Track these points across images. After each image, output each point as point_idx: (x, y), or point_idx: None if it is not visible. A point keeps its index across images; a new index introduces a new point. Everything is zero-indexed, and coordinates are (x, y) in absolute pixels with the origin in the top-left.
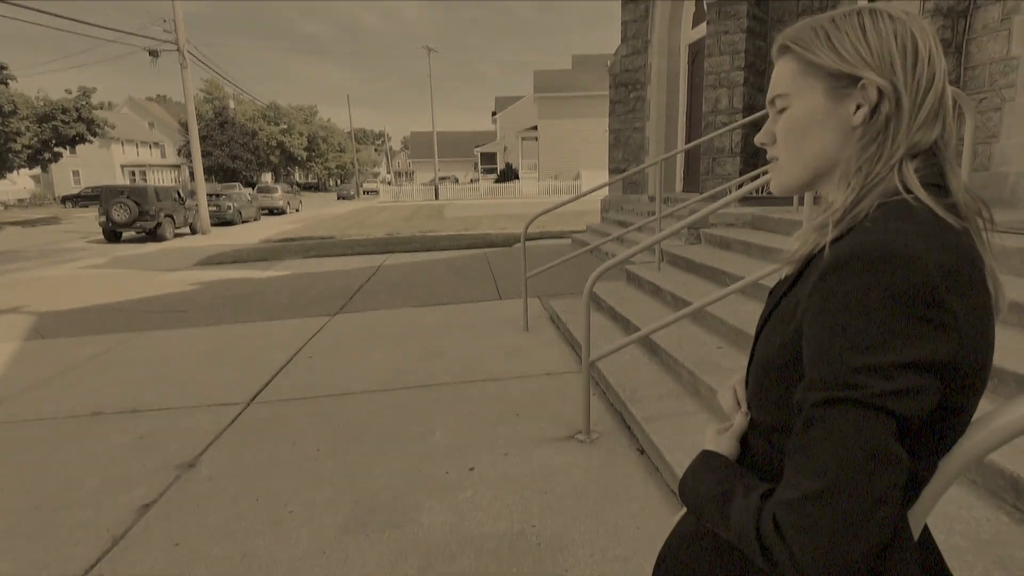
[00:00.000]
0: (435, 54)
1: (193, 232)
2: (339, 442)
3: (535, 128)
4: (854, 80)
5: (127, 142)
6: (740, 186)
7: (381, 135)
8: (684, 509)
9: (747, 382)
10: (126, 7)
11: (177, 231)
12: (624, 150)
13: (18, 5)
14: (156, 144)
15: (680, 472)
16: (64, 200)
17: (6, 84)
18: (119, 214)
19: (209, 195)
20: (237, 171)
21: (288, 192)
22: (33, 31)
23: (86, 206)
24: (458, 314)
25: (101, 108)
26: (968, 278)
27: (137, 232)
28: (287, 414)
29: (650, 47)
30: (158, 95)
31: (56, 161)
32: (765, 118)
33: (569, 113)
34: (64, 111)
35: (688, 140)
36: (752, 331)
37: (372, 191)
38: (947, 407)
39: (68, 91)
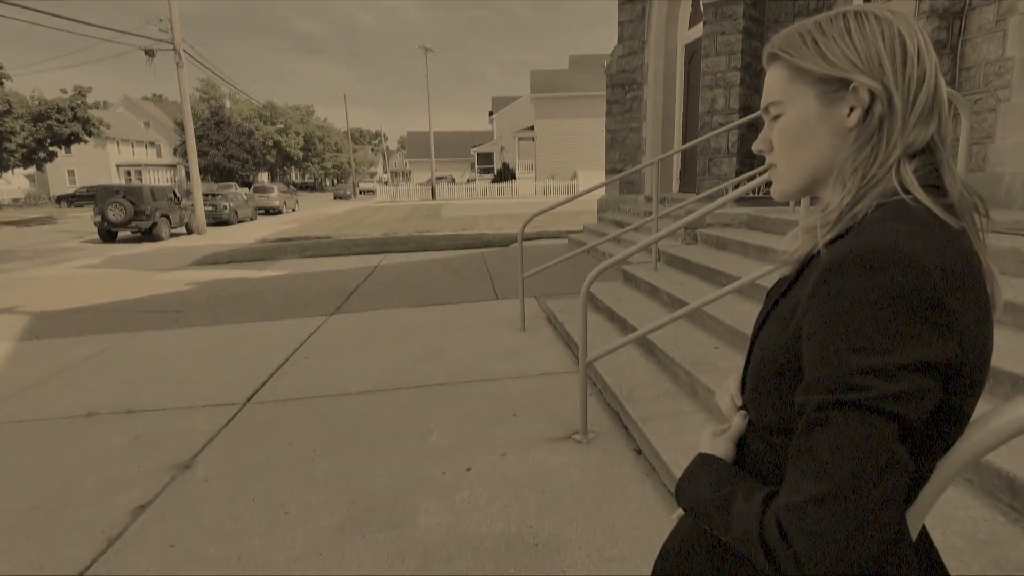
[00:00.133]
0: (433, 54)
1: (189, 232)
2: (335, 443)
3: (532, 128)
4: (845, 83)
5: (123, 141)
6: (737, 186)
7: (378, 135)
8: (681, 510)
9: (744, 383)
10: (122, 6)
11: (173, 231)
12: (621, 150)
13: (14, 5)
14: (152, 144)
15: (677, 472)
16: (59, 200)
17: (0, 83)
18: (115, 214)
19: (205, 195)
20: (233, 171)
21: (284, 192)
22: (28, 30)
23: (81, 206)
24: (455, 314)
25: (96, 107)
26: (967, 278)
27: (133, 232)
28: (283, 415)
29: (647, 48)
30: (154, 94)
31: (51, 160)
32: (762, 119)
33: (566, 113)
34: (59, 110)
35: (685, 140)
36: (749, 331)
37: (369, 191)
38: (947, 408)
39: (63, 90)
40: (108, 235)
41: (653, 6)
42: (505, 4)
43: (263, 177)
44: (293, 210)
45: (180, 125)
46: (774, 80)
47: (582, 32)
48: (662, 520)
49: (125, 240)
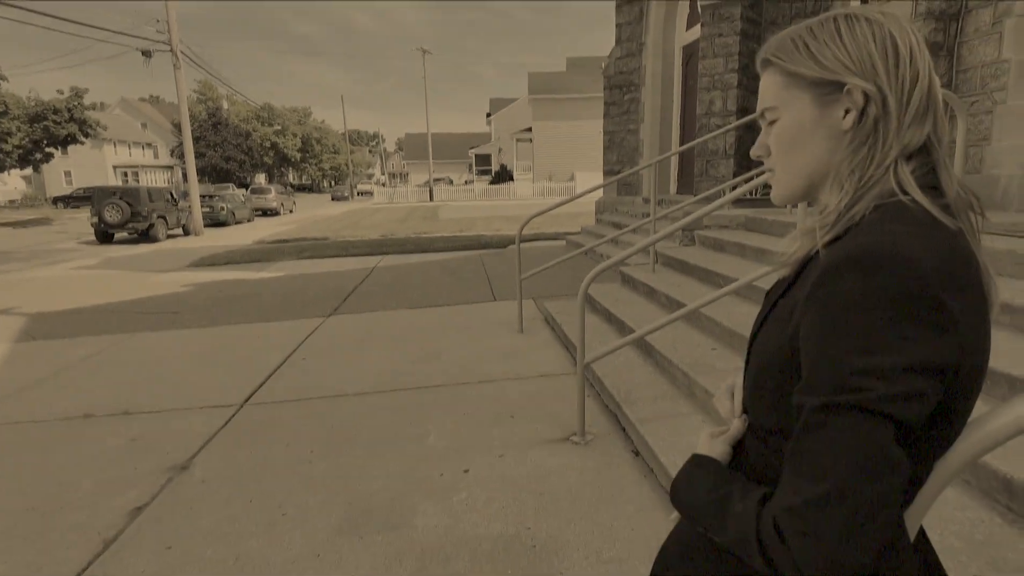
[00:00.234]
0: (431, 56)
1: (186, 233)
2: (333, 444)
3: (530, 130)
4: (839, 86)
5: (119, 143)
6: (734, 188)
7: (376, 136)
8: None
9: (743, 385)
10: (119, 7)
11: (170, 232)
12: (619, 152)
13: (11, 5)
14: (149, 145)
15: (675, 474)
16: (56, 201)
17: None
18: (111, 215)
19: (202, 196)
20: (230, 172)
21: (282, 193)
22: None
23: (78, 207)
24: (453, 316)
25: (93, 108)
26: (965, 279)
27: (129, 233)
28: (281, 416)
29: (644, 49)
30: (151, 96)
31: (47, 162)
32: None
33: (564, 115)
34: (56, 111)
35: (682, 142)
36: (747, 332)
37: (366, 192)
38: (945, 409)
39: (60, 91)
40: (105, 236)
41: (651, 8)
42: (502, 6)
43: (260, 178)
44: (290, 211)
45: (177, 126)
46: (768, 86)
47: (580, 34)
48: (660, 522)
49: (122, 241)
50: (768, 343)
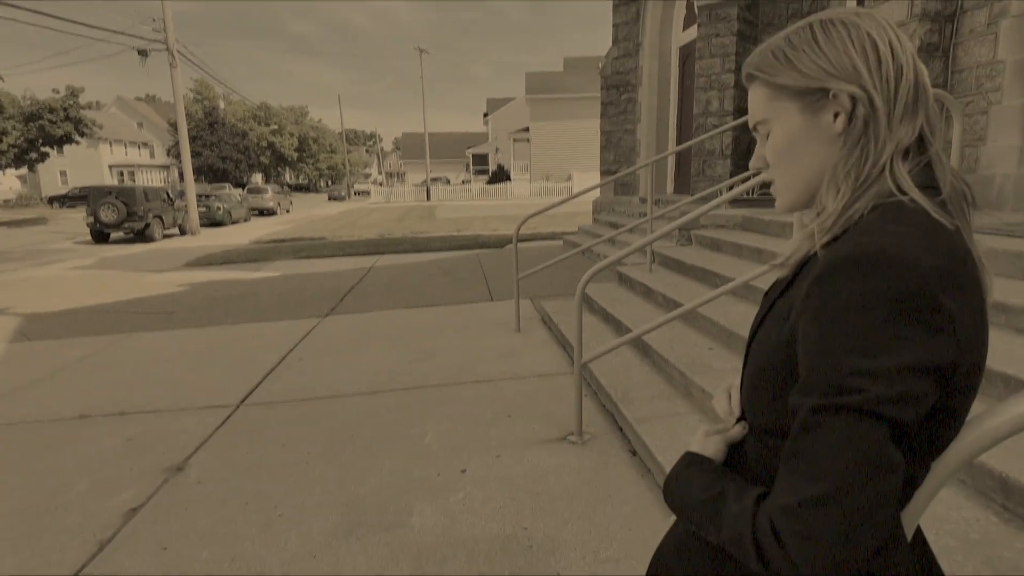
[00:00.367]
0: (427, 56)
1: (182, 233)
2: (330, 444)
3: (527, 130)
4: (825, 92)
5: (115, 142)
6: (731, 188)
7: (372, 136)
8: None
9: (741, 385)
10: (115, 6)
11: (166, 232)
12: (615, 152)
13: (7, 4)
14: (145, 144)
15: None
16: (51, 200)
17: None
18: (107, 215)
19: (199, 195)
20: (227, 171)
21: (278, 193)
22: (19, 29)
23: (73, 206)
24: (450, 315)
25: (89, 108)
26: (963, 280)
27: (125, 233)
28: (277, 417)
29: (641, 49)
30: (147, 95)
31: (43, 161)
32: None
33: (561, 115)
34: (51, 110)
35: (679, 142)
36: (744, 332)
37: (363, 192)
38: (943, 409)
39: (55, 90)
40: (100, 236)
41: (648, 8)
42: (499, 5)
43: (257, 178)
44: (287, 211)
45: (173, 126)
46: (756, 100)
47: (577, 34)
48: (657, 521)
49: (118, 241)
50: (766, 343)
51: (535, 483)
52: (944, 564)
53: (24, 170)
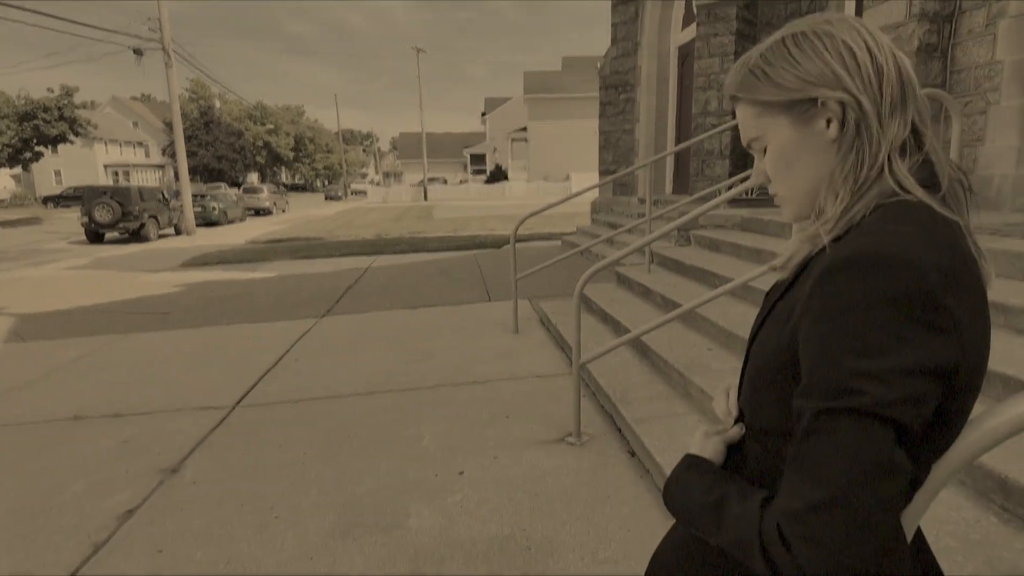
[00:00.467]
0: (424, 55)
1: (178, 233)
2: (326, 445)
3: (525, 129)
4: (813, 101)
5: (110, 142)
6: (730, 188)
7: (369, 136)
8: None
9: (740, 386)
10: (111, 6)
11: (161, 232)
12: (614, 152)
13: (4, 4)
14: (140, 144)
15: None
16: (45, 200)
17: None
18: (102, 214)
19: (194, 195)
20: (223, 171)
21: (275, 193)
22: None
23: (68, 206)
24: (447, 316)
25: (84, 107)
26: (965, 280)
27: (120, 233)
28: (273, 418)
29: (640, 49)
30: (142, 94)
31: (37, 161)
32: None
33: (559, 114)
34: (46, 110)
35: (678, 142)
36: (743, 332)
37: (360, 192)
38: (945, 410)
39: (50, 90)
40: (95, 236)
41: (646, 8)
42: (495, 5)
43: (253, 178)
44: (283, 211)
45: (169, 125)
46: (744, 118)
47: (574, 34)
48: (656, 522)
49: (112, 241)
50: (767, 344)
51: (533, 484)
52: (944, 565)
53: (18, 170)
